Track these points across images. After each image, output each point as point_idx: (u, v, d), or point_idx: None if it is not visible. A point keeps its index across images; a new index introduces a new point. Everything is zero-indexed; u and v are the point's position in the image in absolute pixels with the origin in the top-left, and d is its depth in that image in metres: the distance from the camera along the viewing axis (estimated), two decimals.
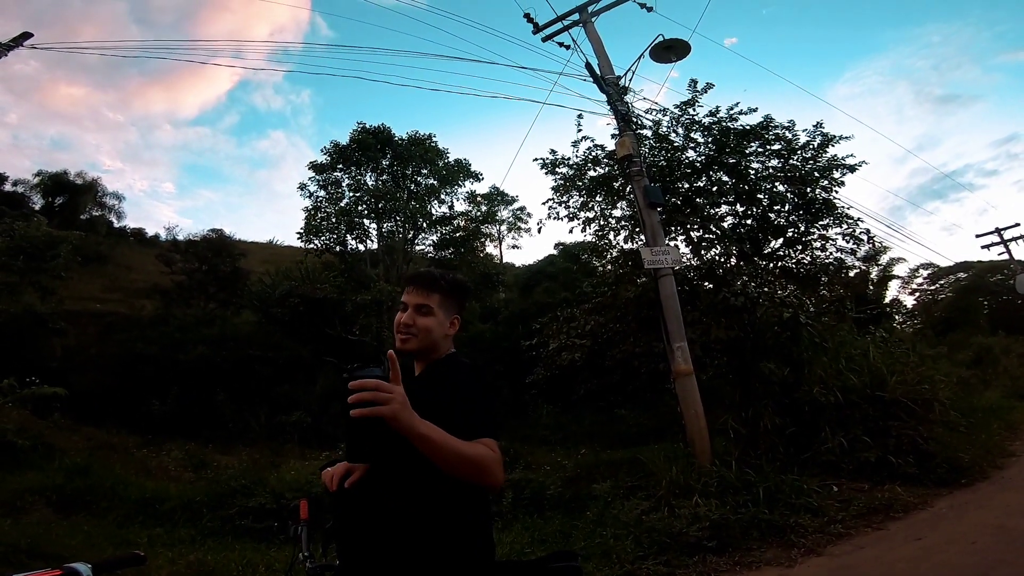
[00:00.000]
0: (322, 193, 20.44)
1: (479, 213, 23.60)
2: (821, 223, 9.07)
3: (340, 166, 20.43)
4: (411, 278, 1.90)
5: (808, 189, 8.90)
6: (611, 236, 9.96)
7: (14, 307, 14.56)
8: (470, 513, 1.66)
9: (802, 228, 9.15)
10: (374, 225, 20.56)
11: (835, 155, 9.08)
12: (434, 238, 21.59)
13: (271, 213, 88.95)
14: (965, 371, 13.38)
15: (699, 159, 9.16)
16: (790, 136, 9.13)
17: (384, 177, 20.60)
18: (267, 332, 17.29)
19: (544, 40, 8.59)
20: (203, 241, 23.09)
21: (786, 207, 9.12)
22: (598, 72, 8.04)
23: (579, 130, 9.37)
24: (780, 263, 9.47)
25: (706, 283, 9.14)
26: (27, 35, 7.13)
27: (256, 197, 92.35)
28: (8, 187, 26.70)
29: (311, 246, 20.05)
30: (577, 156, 9.63)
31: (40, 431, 9.87)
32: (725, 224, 9.37)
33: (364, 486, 1.73)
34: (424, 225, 21.03)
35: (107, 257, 25.57)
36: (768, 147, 9.14)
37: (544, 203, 9.99)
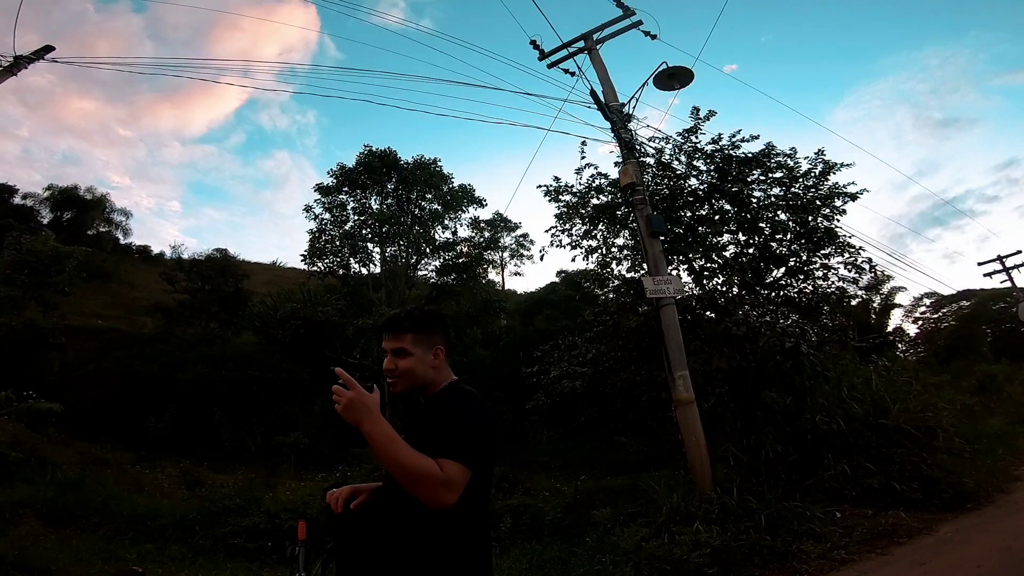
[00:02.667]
0: (327, 216, 20.55)
1: (482, 239, 23.67)
2: (823, 252, 8.99)
3: (346, 189, 20.59)
4: (382, 326, 1.97)
5: (810, 217, 8.84)
6: (613, 265, 9.97)
7: (15, 321, 14.59)
8: (470, 539, 1.68)
9: (804, 257, 9.07)
10: (377, 249, 20.60)
11: (836, 183, 9.04)
12: (437, 263, 21.58)
13: (274, 235, 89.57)
14: (969, 398, 13.18)
15: (701, 187, 9.14)
16: (792, 164, 9.08)
17: (389, 201, 20.72)
18: (267, 353, 17.24)
19: (550, 67, 8.67)
20: (207, 261, 23.23)
21: (788, 236, 9.04)
22: (602, 99, 8.11)
23: (583, 157, 9.51)
24: (782, 292, 9.41)
25: (708, 312, 9.12)
26: (49, 48, 7.22)
27: (259, 218, 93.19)
28: (17, 200, 26.91)
29: (315, 268, 20.11)
30: (580, 184, 9.69)
31: (34, 445, 9.76)
32: (727, 253, 9.35)
33: (369, 508, 1.80)
34: (427, 250, 21.07)
35: (111, 274, 25.64)
36: (770, 175, 9.10)
37: (547, 231, 10.03)
